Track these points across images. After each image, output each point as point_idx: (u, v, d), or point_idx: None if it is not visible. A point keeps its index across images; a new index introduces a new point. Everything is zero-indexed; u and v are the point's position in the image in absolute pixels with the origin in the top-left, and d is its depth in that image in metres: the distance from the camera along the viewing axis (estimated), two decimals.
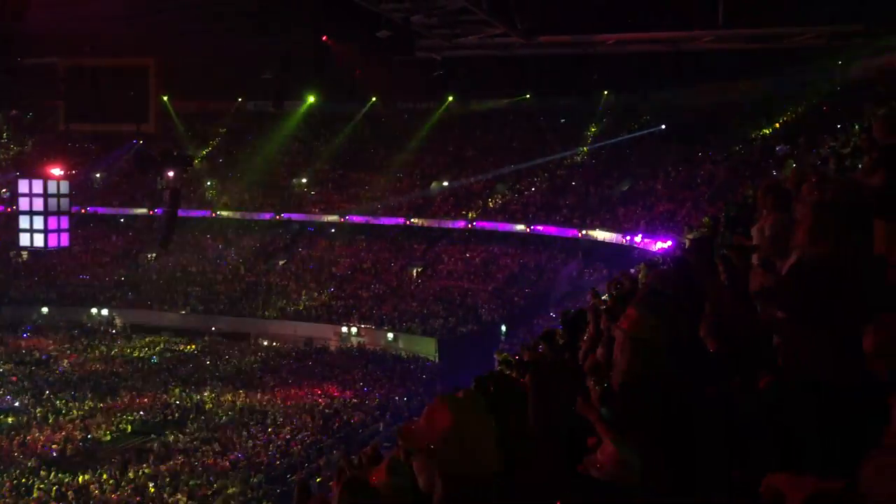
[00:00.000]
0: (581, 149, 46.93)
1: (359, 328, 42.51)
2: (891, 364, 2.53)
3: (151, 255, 50.56)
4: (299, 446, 27.37)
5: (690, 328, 3.69)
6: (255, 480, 24.24)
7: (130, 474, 24.85)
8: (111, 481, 24.25)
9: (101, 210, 52.82)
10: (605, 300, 10.06)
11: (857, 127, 15.96)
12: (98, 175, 54.29)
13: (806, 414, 2.83)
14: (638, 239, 36.91)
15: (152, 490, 23.70)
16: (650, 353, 3.04)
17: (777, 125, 38.83)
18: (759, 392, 3.40)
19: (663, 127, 43.64)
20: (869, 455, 2.22)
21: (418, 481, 2.06)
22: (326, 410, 31.14)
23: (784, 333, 3.31)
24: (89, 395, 33.54)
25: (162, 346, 42.33)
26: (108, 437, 29.09)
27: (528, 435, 4.00)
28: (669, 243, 29.69)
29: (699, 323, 3.85)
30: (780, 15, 26.67)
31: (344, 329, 42.74)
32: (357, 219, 49.18)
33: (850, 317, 2.81)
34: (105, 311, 47.05)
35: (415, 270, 46.64)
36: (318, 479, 22.70)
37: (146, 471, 25.12)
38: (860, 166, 7.92)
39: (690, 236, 14.75)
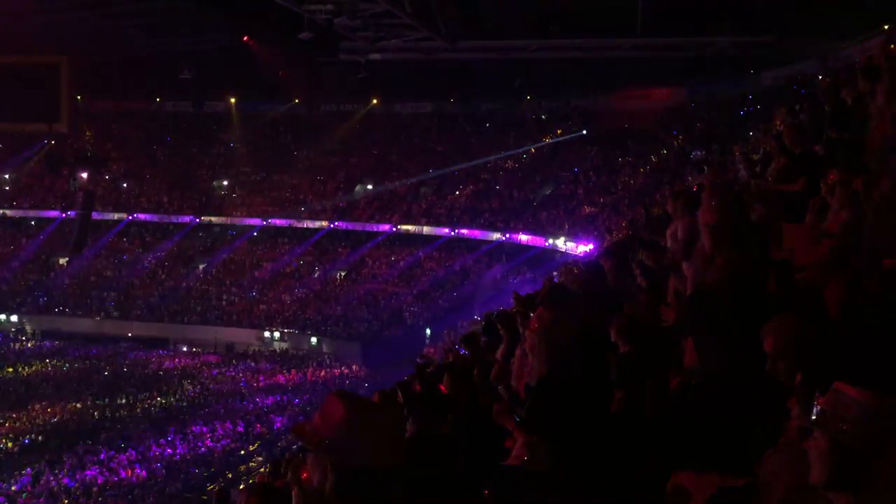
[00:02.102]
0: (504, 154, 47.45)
1: (282, 333, 41.98)
2: (789, 364, 2.62)
3: (64, 260, 48.84)
4: (220, 453, 26.81)
5: (601, 329, 3.75)
6: (173, 490, 23.63)
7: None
8: (23, 493, 23.34)
9: (10, 212, 50.77)
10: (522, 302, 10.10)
11: (766, 133, 16.53)
12: (7, 176, 52.16)
13: (711, 413, 2.92)
14: (560, 242, 37.52)
15: (66, 502, 22.89)
16: (559, 351, 3.08)
17: (693, 131, 39.97)
18: (670, 392, 3.49)
19: (584, 132, 44.46)
20: (767, 452, 2.30)
21: (312, 479, 2.03)
22: (248, 416, 30.61)
23: (690, 336, 3.40)
24: None
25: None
26: (18, 448, 27.95)
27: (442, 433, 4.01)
28: (591, 246, 30.30)
29: (609, 325, 3.92)
30: (695, 26, 27.64)
31: (266, 334, 42.15)
32: (280, 222, 48.53)
33: (752, 319, 2.90)
34: (14, 318, 45.26)
35: (339, 274, 46.32)
36: (240, 488, 22.27)
37: (59, 482, 24.23)
38: (769, 171, 8.17)
39: (608, 240, 15.06)
